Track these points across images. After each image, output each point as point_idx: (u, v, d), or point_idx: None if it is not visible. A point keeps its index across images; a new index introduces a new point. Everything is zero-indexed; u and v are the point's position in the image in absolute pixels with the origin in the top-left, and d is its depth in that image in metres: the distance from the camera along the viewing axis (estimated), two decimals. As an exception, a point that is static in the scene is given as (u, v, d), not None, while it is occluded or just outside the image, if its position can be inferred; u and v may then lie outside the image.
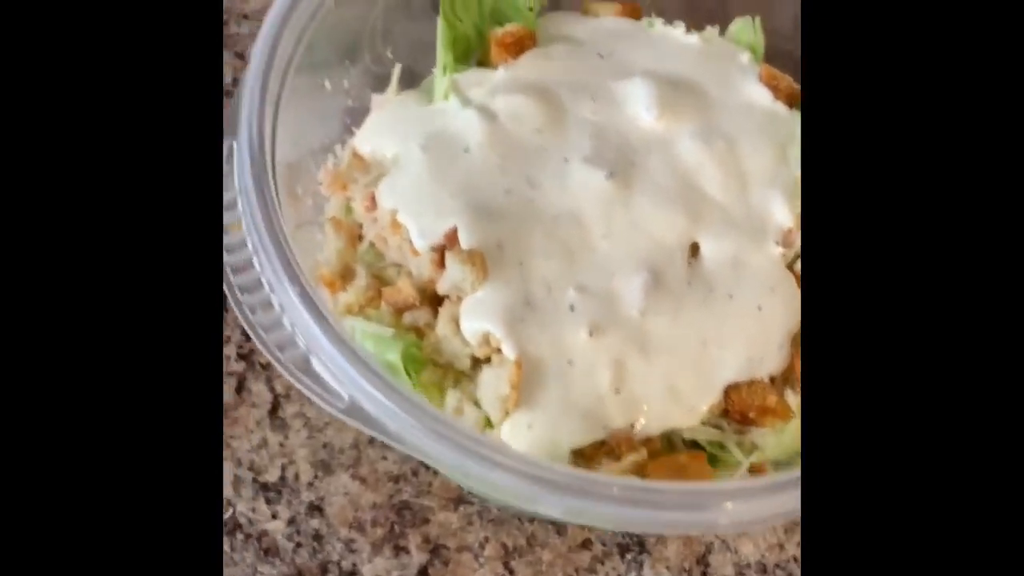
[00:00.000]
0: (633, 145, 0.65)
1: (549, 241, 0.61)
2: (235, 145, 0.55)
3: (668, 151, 0.65)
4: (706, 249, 0.63)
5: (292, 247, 0.53)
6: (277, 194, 0.56)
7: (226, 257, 0.52)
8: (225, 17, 0.90)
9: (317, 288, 0.62)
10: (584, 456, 0.59)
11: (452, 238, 0.61)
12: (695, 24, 0.75)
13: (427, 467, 0.67)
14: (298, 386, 0.52)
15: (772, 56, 0.75)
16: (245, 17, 0.89)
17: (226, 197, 0.54)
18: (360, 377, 0.50)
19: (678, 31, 0.73)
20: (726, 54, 0.72)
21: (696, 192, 0.64)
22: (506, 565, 0.68)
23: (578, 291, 0.60)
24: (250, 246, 0.53)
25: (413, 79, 0.75)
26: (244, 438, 0.70)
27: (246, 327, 0.53)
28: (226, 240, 0.53)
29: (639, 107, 0.66)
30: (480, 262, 0.59)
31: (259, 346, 0.53)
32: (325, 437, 0.71)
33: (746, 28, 0.74)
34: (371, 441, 0.68)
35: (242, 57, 0.87)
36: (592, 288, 0.60)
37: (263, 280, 0.52)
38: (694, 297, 0.61)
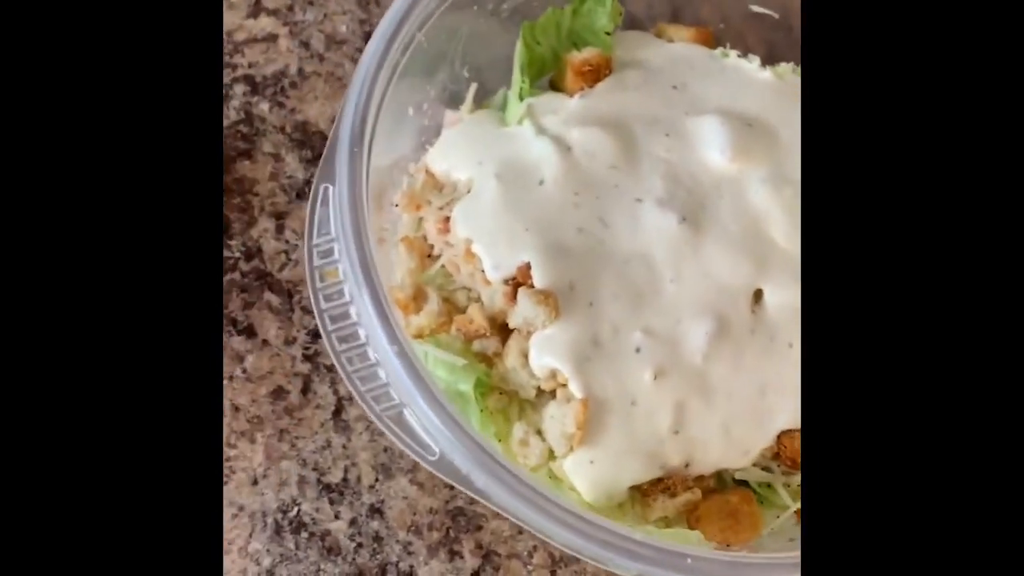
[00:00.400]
0: (704, 187, 0.67)
1: (619, 283, 0.63)
2: (332, 191, 0.57)
3: (738, 195, 0.67)
4: (769, 297, 0.65)
5: (389, 300, 0.55)
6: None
7: (323, 304, 0.55)
8: (291, 3, 0.90)
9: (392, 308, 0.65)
10: (641, 491, 0.62)
11: (525, 272, 0.64)
12: (769, 59, 0.76)
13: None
14: (392, 438, 0.55)
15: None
16: (310, 3, 0.90)
17: (321, 241, 0.56)
18: (451, 435, 0.53)
19: (752, 64, 0.73)
20: (798, 92, 0.72)
21: (763, 239, 0.66)
22: (553, 573, 0.72)
23: (645, 334, 0.62)
24: (347, 295, 0.55)
25: (485, 94, 0.76)
26: (309, 439, 0.74)
27: (343, 377, 0.55)
28: (321, 286, 0.55)
29: (712, 148, 0.67)
30: (554, 303, 0.62)
31: (356, 397, 0.55)
32: (386, 441, 0.74)
33: (821, 65, 0.74)
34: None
35: (307, 46, 0.88)
36: (658, 331, 0.63)
37: (359, 332, 0.55)
38: (756, 345, 0.63)
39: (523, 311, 0.62)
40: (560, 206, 0.65)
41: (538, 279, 0.62)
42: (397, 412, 0.55)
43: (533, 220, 0.65)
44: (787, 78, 0.73)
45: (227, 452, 0.74)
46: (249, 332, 0.77)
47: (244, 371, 0.76)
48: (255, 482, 0.73)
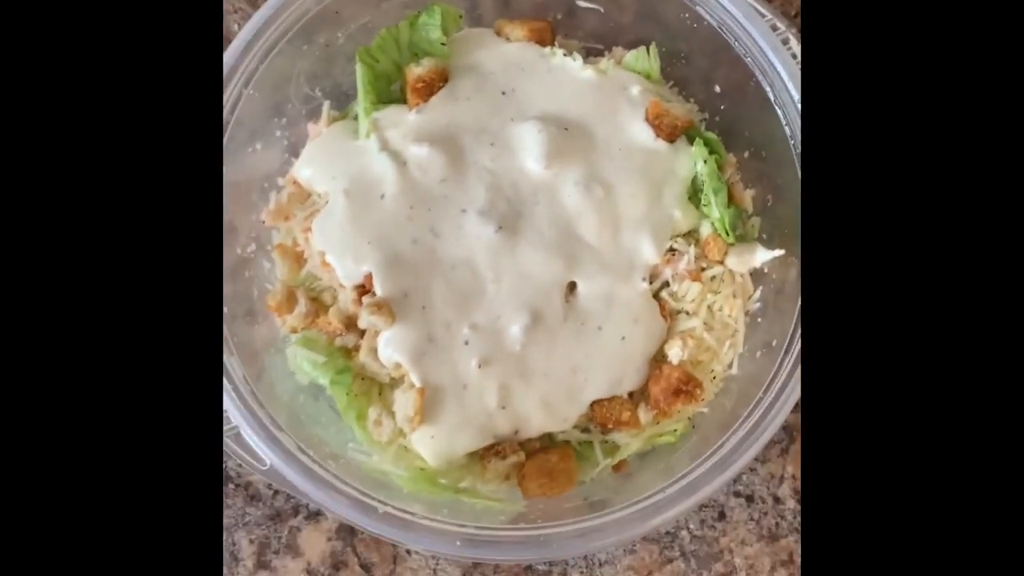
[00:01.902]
0: (523, 194, 0.76)
1: (447, 287, 0.74)
2: None
3: (553, 199, 0.76)
4: (581, 288, 0.75)
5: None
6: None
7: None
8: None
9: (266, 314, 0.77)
10: (478, 456, 0.75)
11: (370, 280, 0.74)
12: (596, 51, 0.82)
13: None
14: (233, 454, 0.70)
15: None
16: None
17: None
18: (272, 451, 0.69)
19: (576, 63, 0.79)
20: (618, 87, 0.79)
21: (574, 238, 0.75)
22: None
23: (471, 329, 0.74)
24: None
25: (346, 100, 0.84)
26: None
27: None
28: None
29: (530, 157, 0.75)
30: (388, 311, 0.73)
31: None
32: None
33: (641, 57, 0.80)
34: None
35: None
36: (483, 326, 0.74)
37: None
38: (568, 330, 0.74)
39: (365, 317, 0.73)
40: (397, 219, 0.75)
41: (378, 289, 0.74)
42: (235, 432, 0.69)
43: (374, 234, 0.75)
44: (609, 73, 0.80)
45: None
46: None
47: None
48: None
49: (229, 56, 0.73)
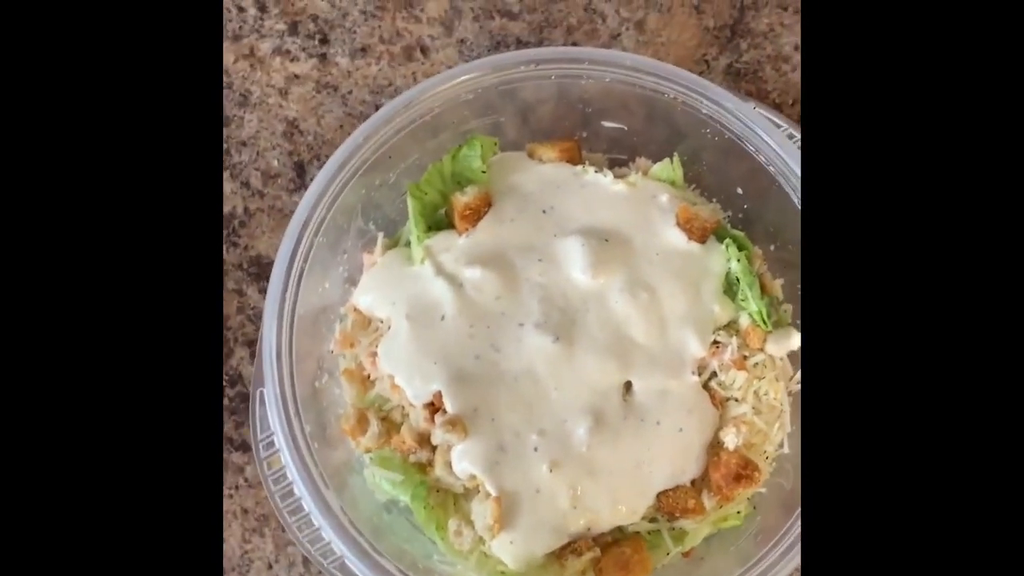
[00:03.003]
0: (573, 304, 0.82)
1: (512, 397, 0.79)
2: (266, 393, 0.73)
3: (601, 306, 0.82)
4: (637, 386, 0.80)
5: (325, 477, 0.73)
6: (308, 437, 0.74)
7: (272, 487, 0.73)
8: (225, 146, 1.03)
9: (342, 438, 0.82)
10: (555, 555, 0.80)
11: (439, 398, 0.80)
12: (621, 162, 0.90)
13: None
14: None
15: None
16: (243, 144, 1.03)
17: (264, 436, 0.73)
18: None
19: (607, 178, 0.86)
20: (648, 197, 0.86)
21: (626, 340, 0.81)
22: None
23: (539, 435, 0.79)
24: (289, 476, 0.72)
25: (394, 228, 0.90)
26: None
27: (296, 543, 0.74)
28: (269, 472, 0.72)
29: (576, 268, 0.82)
30: (461, 426, 0.78)
31: (308, 557, 0.74)
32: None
33: (665, 168, 0.88)
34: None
35: (248, 186, 1.02)
36: (549, 431, 0.79)
37: (304, 505, 0.72)
38: (629, 427, 0.79)
39: (439, 434, 0.78)
40: (459, 338, 0.81)
41: (448, 406, 0.79)
42: (340, 562, 0.73)
43: (439, 354, 0.80)
44: (639, 184, 0.87)
45: (244, 547, 0.93)
46: (244, 447, 0.94)
47: (246, 480, 0.94)
48: (270, 567, 0.92)
49: (301, 210, 0.80)
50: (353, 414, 0.83)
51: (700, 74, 1.03)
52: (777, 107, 1.04)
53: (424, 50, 1.06)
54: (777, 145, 0.80)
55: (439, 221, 0.88)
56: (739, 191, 0.87)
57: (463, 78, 0.83)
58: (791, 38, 1.06)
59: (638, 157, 0.90)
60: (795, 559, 0.72)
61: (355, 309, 0.86)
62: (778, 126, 0.80)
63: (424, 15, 1.07)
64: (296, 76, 1.03)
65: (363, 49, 1.05)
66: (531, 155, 0.90)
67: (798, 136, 0.81)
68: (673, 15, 1.08)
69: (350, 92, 1.03)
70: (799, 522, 0.74)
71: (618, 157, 0.92)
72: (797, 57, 1.05)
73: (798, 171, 0.79)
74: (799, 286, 0.85)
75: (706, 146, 0.85)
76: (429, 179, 0.86)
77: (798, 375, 0.84)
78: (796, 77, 1.05)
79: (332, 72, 1.04)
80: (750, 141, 0.81)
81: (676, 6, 1.08)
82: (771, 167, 0.81)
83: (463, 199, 0.85)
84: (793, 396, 0.84)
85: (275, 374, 0.75)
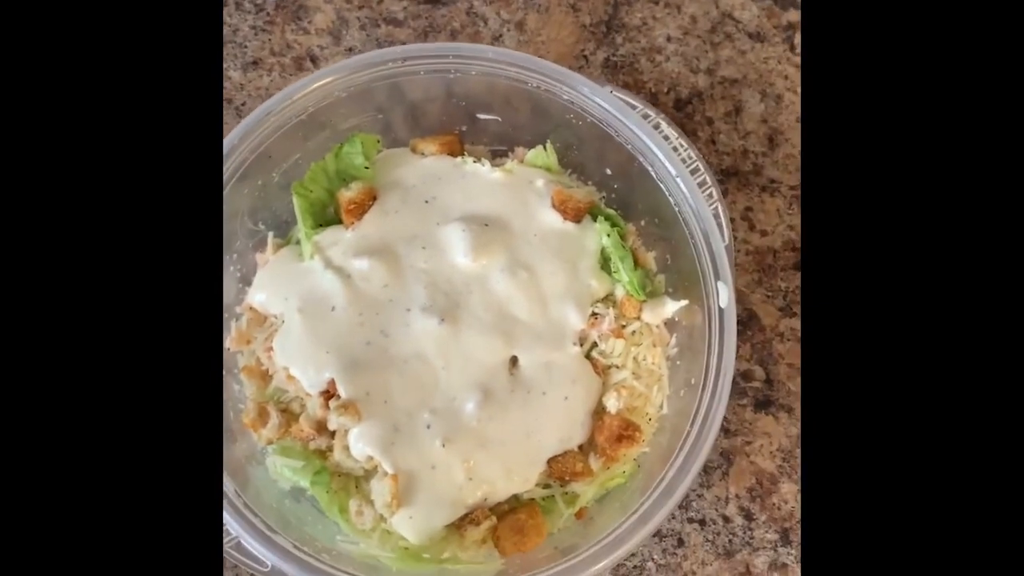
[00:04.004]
0: (457, 287, 0.86)
1: (403, 379, 0.83)
2: None
3: (484, 287, 0.86)
4: (522, 360, 0.85)
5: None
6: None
7: None
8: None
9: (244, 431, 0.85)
10: (455, 527, 0.83)
11: (333, 385, 0.83)
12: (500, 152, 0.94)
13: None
14: (237, 562, 0.77)
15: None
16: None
17: None
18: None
19: (485, 167, 0.91)
20: (525, 182, 0.90)
21: (509, 318, 0.85)
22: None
23: (431, 413, 0.82)
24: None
25: (286, 227, 0.93)
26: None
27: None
28: None
29: (459, 253, 0.86)
30: (354, 409, 0.81)
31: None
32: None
33: (539, 155, 0.92)
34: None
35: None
36: (440, 409, 0.82)
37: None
38: (517, 400, 0.83)
39: (335, 419, 0.82)
40: (350, 327, 0.84)
41: (341, 391, 0.82)
42: (235, 542, 0.77)
43: (331, 344, 0.83)
44: (515, 171, 0.91)
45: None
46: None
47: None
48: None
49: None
50: (253, 408, 0.86)
51: (579, 69, 1.09)
52: (653, 96, 1.10)
53: (314, 60, 1.10)
54: (635, 125, 0.85)
55: (328, 218, 0.91)
56: (608, 171, 0.92)
57: (331, 78, 0.86)
58: (663, 30, 1.12)
59: (516, 147, 0.95)
60: (671, 502, 0.77)
61: (250, 307, 0.89)
62: (633, 107, 0.85)
63: (312, 26, 1.11)
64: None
65: (255, 62, 1.09)
66: (414, 150, 0.94)
67: (653, 115, 0.86)
68: (551, 14, 1.13)
69: (244, 104, 1.07)
70: (672, 469, 0.78)
71: (499, 148, 0.96)
72: (670, 48, 1.12)
73: (655, 149, 0.85)
74: (668, 258, 0.91)
75: (575, 131, 0.90)
76: (313, 177, 0.89)
77: (673, 340, 0.89)
78: (670, 67, 1.11)
79: (225, 85, 1.07)
80: (610, 123, 0.87)
81: (554, 6, 1.14)
82: (630, 146, 0.86)
83: (347, 194, 0.88)
84: (670, 360, 0.89)
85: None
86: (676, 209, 0.85)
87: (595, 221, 0.90)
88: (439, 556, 0.82)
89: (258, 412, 0.86)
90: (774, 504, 0.94)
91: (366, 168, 0.90)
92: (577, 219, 0.89)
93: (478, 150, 0.96)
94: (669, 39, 1.12)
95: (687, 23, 1.13)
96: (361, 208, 0.88)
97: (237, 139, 0.83)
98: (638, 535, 0.77)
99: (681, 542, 0.93)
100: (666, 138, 0.84)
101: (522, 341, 0.85)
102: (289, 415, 0.86)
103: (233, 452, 0.84)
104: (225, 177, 0.83)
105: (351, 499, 0.83)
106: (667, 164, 0.84)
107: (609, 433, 0.83)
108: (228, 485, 0.78)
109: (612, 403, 0.85)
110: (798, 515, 0.94)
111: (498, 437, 0.83)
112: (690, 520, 0.94)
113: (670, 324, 0.90)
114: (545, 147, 0.92)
